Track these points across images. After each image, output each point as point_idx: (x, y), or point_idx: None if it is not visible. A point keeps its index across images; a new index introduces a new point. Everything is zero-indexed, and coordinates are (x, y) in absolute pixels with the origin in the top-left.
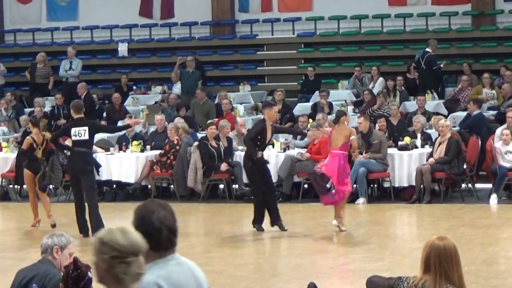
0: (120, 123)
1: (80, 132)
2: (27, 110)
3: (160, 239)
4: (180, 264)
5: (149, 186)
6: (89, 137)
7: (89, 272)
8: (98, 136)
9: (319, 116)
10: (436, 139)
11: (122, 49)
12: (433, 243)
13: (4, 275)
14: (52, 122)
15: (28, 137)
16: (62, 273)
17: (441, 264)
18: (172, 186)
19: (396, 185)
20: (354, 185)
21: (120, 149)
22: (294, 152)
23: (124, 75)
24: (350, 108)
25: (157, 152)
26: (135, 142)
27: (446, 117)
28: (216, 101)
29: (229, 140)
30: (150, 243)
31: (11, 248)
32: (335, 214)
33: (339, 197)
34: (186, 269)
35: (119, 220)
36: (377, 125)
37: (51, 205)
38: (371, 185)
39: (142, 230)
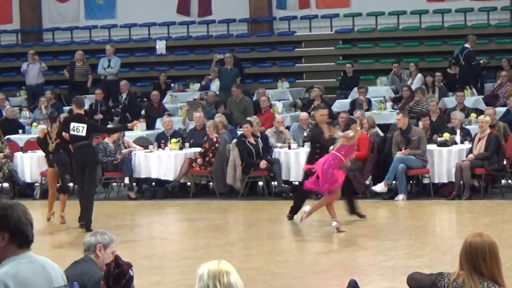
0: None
1: (79, 128)
2: (66, 108)
3: (24, 235)
4: (31, 262)
5: (188, 183)
6: (86, 134)
7: (130, 270)
8: (137, 134)
9: (357, 113)
10: (475, 135)
11: (160, 46)
12: (467, 239)
13: None
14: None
15: (44, 127)
16: (103, 272)
17: (474, 260)
18: (211, 183)
19: (436, 181)
20: (394, 181)
21: (159, 146)
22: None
23: (162, 73)
24: (388, 105)
25: (196, 149)
26: (173, 140)
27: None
28: (254, 98)
29: (264, 137)
30: (12, 240)
31: (50, 246)
32: (331, 215)
33: (322, 190)
34: (37, 268)
35: (158, 218)
36: (420, 122)
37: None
38: (411, 182)
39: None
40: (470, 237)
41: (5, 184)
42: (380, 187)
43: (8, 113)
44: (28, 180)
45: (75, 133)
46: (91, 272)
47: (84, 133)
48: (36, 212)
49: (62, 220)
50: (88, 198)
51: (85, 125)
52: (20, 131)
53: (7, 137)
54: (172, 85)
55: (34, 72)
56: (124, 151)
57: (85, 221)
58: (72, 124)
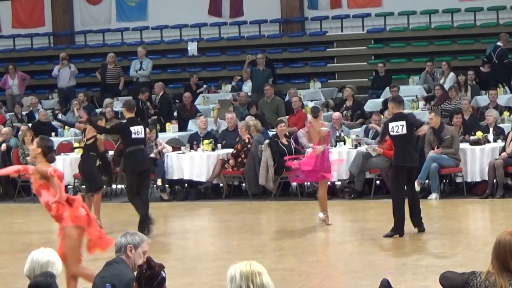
0: None
1: (138, 131)
2: (98, 110)
3: None
4: None
5: (221, 184)
6: (144, 135)
7: (162, 272)
8: (170, 136)
9: (386, 113)
10: (508, 133)
11: (192, 48)
12: (498, 237)
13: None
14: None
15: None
16: (135, 272)
17: (503, 258)
18: (243, 184)
19: (469, 180)
20: (427, 181)
21: (192, 148)
22: (365, 147)
23: (193, 74)
24: (421, 104)
25: (228, 150)
26: (206, 141)
27: None
28: (286, 99)
29: (295, 138)
30: None
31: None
32: (321, 207)
33: (314, 179)
34: None
35: (191, 219)
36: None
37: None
38: (444, 181)
39: None
40: (501, 235)
41: None
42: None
43: (41, 116)
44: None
45: (136, 136)
46: (123, 273)
47: (143, 135)
48: None
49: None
50: (147, 206)
51: (142, 127)
52: (53, 133)
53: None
54: (204, 86)
55: (65, 76)
56: (155, 150)
57: (148, 228)
58: (133, 128)
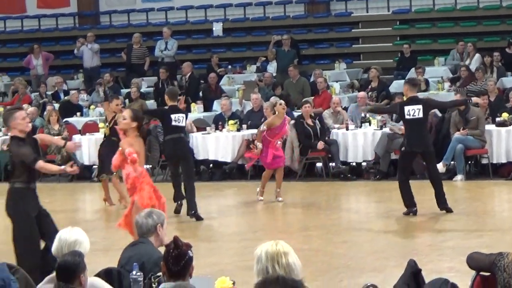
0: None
1: (179, 118)
2: (124, 91)
3: None
4: None
5: (246, 165)
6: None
7: (189, 251)
8: (195, 116)
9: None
10: None
11: (217, 28)
12: None
13: (105, 254)
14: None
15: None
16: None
17: None
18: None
19: (494, 161)
20: (452, 162)
21: (217, 128)
22: (389, 127)
23: (213, 55)
24: (446, 85)
25: (253, 131)
26: (231, 121)
27: None
28: (311, 80)
29: (320, 119)
30: None
31: (109, 228)
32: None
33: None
34: None
35: (216, 199)
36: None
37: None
38: (469, 162)
39: None
40: None
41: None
42: (438, 168)
43: (74, 98)
44: (86, 162)
45: (177, 124)
46: (151, 252)
47: (184, 123)
48: (94, 194)
49: (109, 203)
50: (193, 191)
51: (184, 115)
52: (78, 113)
53: (65, 120)
54: (229, 67)
55: (88, 55)
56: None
57: (194, 211)
58: (173, 116)
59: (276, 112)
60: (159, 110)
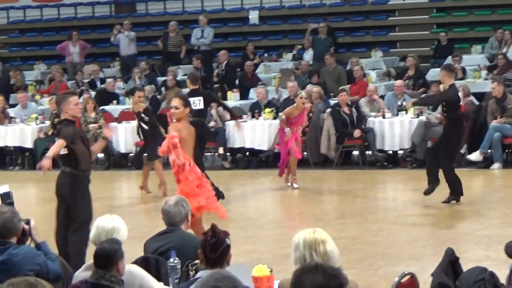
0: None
1: (195, 102)
2: (160, 79)
3: None
4: None
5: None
6: (204, 107)
7: (227, 239)
8: (231, 104)
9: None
10: None
11: (253, 16)
12: None
13: (142, 242)
14: None
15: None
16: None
17: None
18: (305, 153)
19: None
20: (489, 150)
21: (253, 116)
22: (426, 115)
23: (248, 42)
24: (483, 73)
25: None
26: (267, 109)
27: None
28: (348, 68)
29: (356, 107)
30: None
31: (146, 216)
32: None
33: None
34: None
35: (252, 187)
36: None
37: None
38: (506, 150)
39: None
40: None
41: (100, 155)
42: (475, 156)
43: (109, 86)
44: (122, 150)
45: (194, 107)
46: (190, 238)
47: (201, 106)
48: (131, 182)
49: (146, 191)
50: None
51: (201, 98)
52: (115, 101)
53: (101, 108)
54: (265, 55)
55: (125, 43)
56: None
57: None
58: (191, 99)
59: (295, 104)
60: None
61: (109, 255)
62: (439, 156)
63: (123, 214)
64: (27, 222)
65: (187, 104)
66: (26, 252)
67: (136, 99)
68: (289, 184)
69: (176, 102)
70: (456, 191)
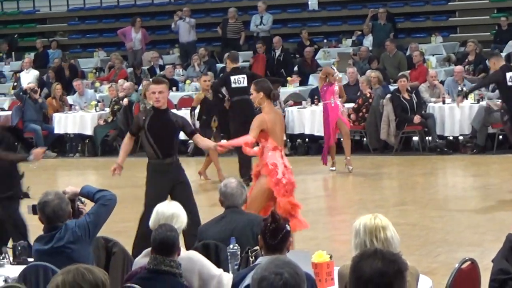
0: None
1: (239, 80)
2: (219, 65)
3: None
4: None
5: (342, 139)
6: (247, 84)
7: (287, 225)
8: (291, 90)
9: None
10: None
11: (313, 2)
12: None
13: None
14: None
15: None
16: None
17: None
18: (365, 139)
19: None
20: None
21: (312, 102)
22: (486, 101)
23: (302, 30)
24: None
25: (349, 105)
26: None
27: None
28: (407, 53)
29: (416, 92)
30: None
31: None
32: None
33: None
34: None
35: (312, 174)
36: None
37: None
38: None
39: None
40: None
41: None
42: None
43: (168, 73)
44: (182, 137)
45: (237, 85)
46: (256, 218)
47: (245, 83)
48: (190, 169)
49: (204, 177)
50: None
51: (244, 75)
52: (174, 88)
53: None
54: (325, 41)
55: (185, 30)
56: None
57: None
58: (233, 78)
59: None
60: (222, 76)
61: (170, 242)
62: None
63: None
64: (82, 201)
65: (261, 88)
66: (67, 229)
67: (202, 83)
68: (334, 168)
69: (251, 89)
70: None
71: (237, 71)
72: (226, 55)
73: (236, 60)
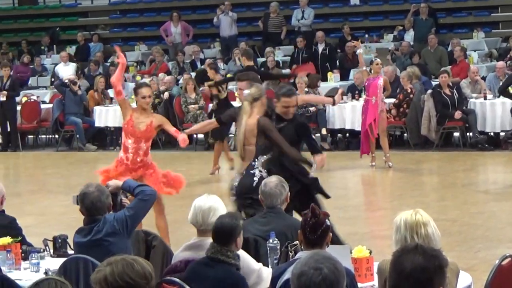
0: None
1: None
2: (260, 59)
3: None
4: None
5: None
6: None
7: (327, 220)
8: (331, 85)
9: None
10: None
11: None
12: None
13: None
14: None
15: None
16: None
17: None
18: (405, 134)
19: None
20: None
21: (353, 97)
22: None
23: (343, 25)
24: None
25: (390, 100)
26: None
27: None
28: (449, 49)
29: (457, 88)
30: None
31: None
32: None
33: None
34: None
35: (352, 168)
36: None
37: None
38: None
39: None
40: None
41: (200, 136)
42: None
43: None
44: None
45: None
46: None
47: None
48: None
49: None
50: None
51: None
52: None
53: (201, 88)
54: (366, 35)
55: (226, 24)
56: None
57: None
58: None
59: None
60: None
61: (229, 231)
62: None
63: (221, 194)
64: (126, 195)
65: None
66: (106, 222)
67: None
68: (374, 164)
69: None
70: None
71: (250, 69)
72: (241, 52)
73: (251, 58)
